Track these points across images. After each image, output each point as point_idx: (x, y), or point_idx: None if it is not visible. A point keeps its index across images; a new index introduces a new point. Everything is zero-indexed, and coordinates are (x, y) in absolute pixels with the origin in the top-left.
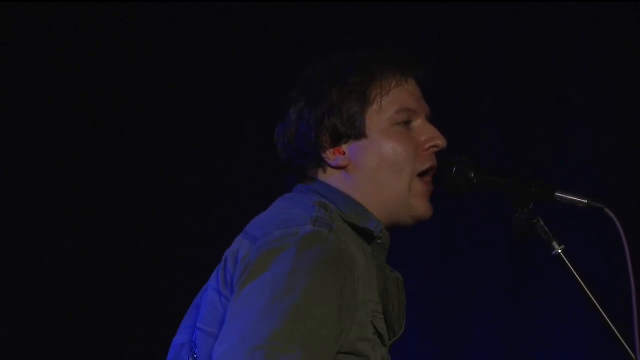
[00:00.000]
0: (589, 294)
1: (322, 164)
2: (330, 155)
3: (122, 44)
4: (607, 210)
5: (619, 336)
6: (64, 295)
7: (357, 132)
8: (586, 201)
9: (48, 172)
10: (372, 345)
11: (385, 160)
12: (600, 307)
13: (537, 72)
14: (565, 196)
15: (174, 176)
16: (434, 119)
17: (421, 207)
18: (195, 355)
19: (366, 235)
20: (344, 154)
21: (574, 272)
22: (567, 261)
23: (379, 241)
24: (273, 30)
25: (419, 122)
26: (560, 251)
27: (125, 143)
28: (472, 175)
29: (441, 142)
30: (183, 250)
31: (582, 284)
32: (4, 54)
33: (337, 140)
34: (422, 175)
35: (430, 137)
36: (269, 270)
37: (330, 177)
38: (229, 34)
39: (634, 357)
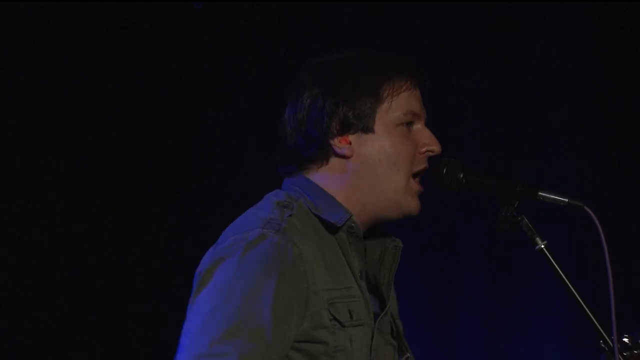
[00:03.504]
0: (570, 286)
1: (328, 151)
2: (337, 143)
3: (122, 44)
4: (586, 208)
5: (599, 327)
6: (64, 295)
7: (365, 126)
8: (567, 200)
9: (48, 172)
10: (330, 331)
11: (386, 155)
12: (581, 299)
13: (531, 71)
14: (548, 195)
15: (175, 177)
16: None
17: (412, 204)
18: None
19: (331, 226)
20: (350, 143)
21: (556, 265)
22: (549, 255)
23: (352, 231)
24: (273, 30)
25: (419, 126)
26: (542, 246)
27: (126, 143)
28: (461, 176)
29: (437, 148)
30: (183, 250)
31: (564, 277)
32: (4, 54)
33: (345, 129)
34: (414, 176)
35: (429, 142)
36: (213, 279)
37: (330, 166)
38: (229, 34)
39: (612, 346)
